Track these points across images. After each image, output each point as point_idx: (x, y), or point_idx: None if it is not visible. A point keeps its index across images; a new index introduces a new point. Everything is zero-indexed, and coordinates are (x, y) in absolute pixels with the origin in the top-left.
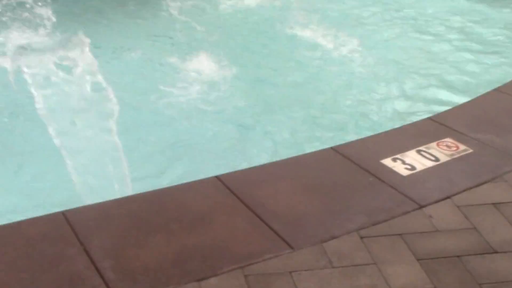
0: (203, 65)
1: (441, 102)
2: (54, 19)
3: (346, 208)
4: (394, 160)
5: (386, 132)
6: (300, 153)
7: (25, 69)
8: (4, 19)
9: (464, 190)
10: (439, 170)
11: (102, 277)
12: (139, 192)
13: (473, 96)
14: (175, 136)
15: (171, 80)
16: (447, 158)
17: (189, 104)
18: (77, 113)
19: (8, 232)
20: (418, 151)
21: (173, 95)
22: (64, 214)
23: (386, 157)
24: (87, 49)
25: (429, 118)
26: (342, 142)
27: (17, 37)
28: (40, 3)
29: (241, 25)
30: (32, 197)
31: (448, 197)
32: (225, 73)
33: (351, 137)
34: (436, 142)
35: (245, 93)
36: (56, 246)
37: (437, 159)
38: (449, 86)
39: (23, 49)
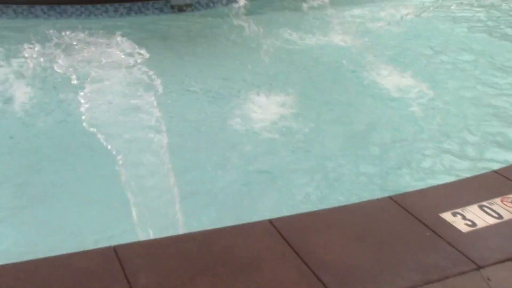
0: (273, 102)
1: (508, 156)
2: (124, 51)
3: (399, 263)
4: (454, 214)
5: (447, 184)
6: (357, 200)
7: (87, 101)
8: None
9: None
10: (502, 228)
11: None
12: (190, 231)
13: None
14: (234, 175)
15: (238, 118)
16: (511, 216)
17: (253, 141)
18: (135, 148)
19: (57, 263)
20: (480, 207)
21: (239, 135)
22: (115, 249)
23: (445, 210)
24: (156, 83)
25: (494, 171)
26: (401, 191)
27: (82, 68)
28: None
29: (314, 64)
30: (87, 229)
31: (509, 259)
32: (292, 112)
33: (411, 186)
34: (501, 198)
35: (310, 132)
36: (103, 281)
37: (500, 216)
38: None
39: (91, 80)
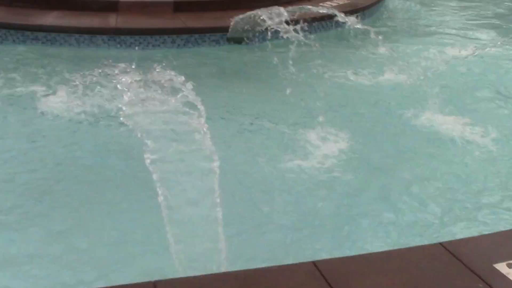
0: (323, 141)
1: None
2: (178, 81)
3: None
4: (510, 266)
5: (504, 232)
6: (406, 245)
7: (140, 131)
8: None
9: None
10: None
11: None
12: (233, 270)
13: None
14: (282, 214)
15: (288, 151)
16: None
17: (300, 180)
18: (185, 179)
19: None
20: None
21: (284, 169)
22: (155, 284)
23: (500, 261)
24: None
25: None
26: (453, 238)
27: (136, 96)
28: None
29: (368, 103)
30: (126, 263)
31: None
32: (343, 152)
33: (464, 233)
34: None
35: (360, 175)
36: None
37: None
38: None
39: (143, 109)
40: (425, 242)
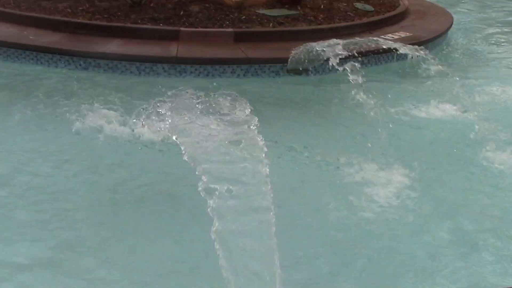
0: (387, 178)
1: None
2: (236, 111)
3: None
4: None
5: None
6: None
7: (197, 159)
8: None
9: None
10: None
11: None
12: None
13: None
14: (348, 253)
15: (345, 190)
16: None
17: (367, 219)
18: (240, 211)
19: None
20: None
21: (349, 210)
22: None
23: None
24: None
25: None
26: None
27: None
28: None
29: (435, 140)
30: None
31: None
32: (409, 193)
33: None
34: None
35: (434, 219)
36: None
37: None
38: None
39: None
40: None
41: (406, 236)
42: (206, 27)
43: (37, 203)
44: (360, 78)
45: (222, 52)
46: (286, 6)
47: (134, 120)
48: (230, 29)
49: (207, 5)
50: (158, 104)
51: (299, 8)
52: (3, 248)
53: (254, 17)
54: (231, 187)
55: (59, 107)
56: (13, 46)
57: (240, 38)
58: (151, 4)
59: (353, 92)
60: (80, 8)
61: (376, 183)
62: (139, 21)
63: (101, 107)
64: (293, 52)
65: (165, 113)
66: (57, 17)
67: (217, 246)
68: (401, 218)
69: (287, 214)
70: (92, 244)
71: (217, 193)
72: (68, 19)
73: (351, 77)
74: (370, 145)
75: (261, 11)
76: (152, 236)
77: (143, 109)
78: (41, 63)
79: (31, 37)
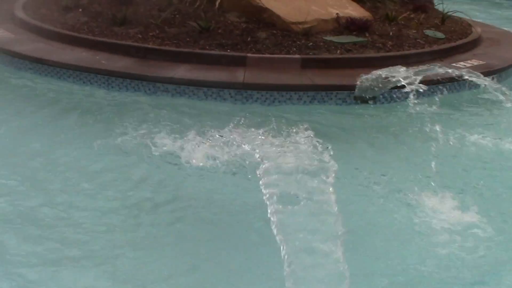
0: (460, 214)
1: None
2: (302, 138)
3: None
4: None
5: None
6: None
7: (266, 186)
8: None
9: None
10: None
11: None
12: None
13: None
14: None
15: (415, 222)
16: None
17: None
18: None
19: None
20: None
21: (421, 239)
22: None
23: None
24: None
25: None
26: None
27: (260, 152)
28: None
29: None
30: None
31: None
32: (481, 231)
33: None
34: None
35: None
36: None
37: None
38: None
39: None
40: None
41: (482, 270)
42: (273, 53)
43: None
44: (429, 107)
45: (288, 78)
46: (354, 33)
47: (201, 144)
48: (297, 56)
49: (274, 31)
50: (225, 129)
51: (367, 35)
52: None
53: (321, 43)
54: (299, 215)
55: (127, 130)
56: (86, 70)
57: (306, 64)
58: (219, 30)
59: (422, 121)
60: (151, 33)
61: (446, 213)
62: (207, 47)
63: (166, 130)
64: (360, 79)
65: (232, 139)
66: (128, 42)
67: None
68: (474, 249)
69: (356, 240)
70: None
71: (284, 218)
72: (139, 44)
73: (419, 105)
74: (438, 176)
75: (329, 38)
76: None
77: (210, 133)
78: (112, 87)
79: (103, 62)
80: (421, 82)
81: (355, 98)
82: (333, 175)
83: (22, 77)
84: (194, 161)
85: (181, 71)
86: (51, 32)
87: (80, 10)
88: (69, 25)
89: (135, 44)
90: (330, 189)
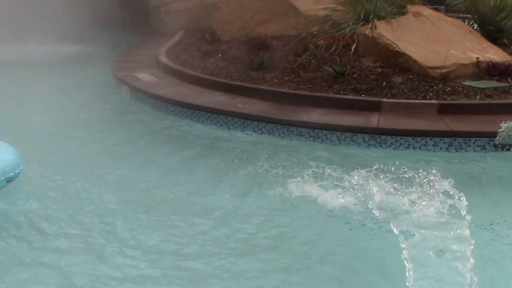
0: None
1: None
2: (435, 188)
3: None
4: None
5: None
6: None
7: (401, 236)
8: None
9: None
10: None
11: None
12: None
13: None
14: None
15: None
16: None
17: None
18: None
19: None
20: None
21: None
22: None
23: None
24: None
25: None
26: None
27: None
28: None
29: None
30: None
31: None
32: None
33: None
34: None
35: None
36: None
37: None
38: None
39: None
40: None
41: None
42: (408, 99)
43: None
44: None
45: (424, 124)
46: (495, 77)
47: (334, 189)
48: (434, 101)
49: (410, 76)
50: (360, 175)
51: (509, 80)
52: None
53: (459, 89)
54: (433, 265)
55: (259, 171)
56: (223, 114)
57: (444, 110)
58: (354, 75)
59: None
60: (286, 78)
61: None
62: (342, 92)
63: (299, 173)
64: (503, 126)
65: (366, 184)
66: (264, 87)
67: None
68: None
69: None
70: None
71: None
72: (275, 88)
73: None
74: None
75: (468, 82)
76: None
77: (343, 179)
78: (247, 130)
79: (239, 105)
80: None
81: (496, 145)
82: (470, 226)
83: (164, 119)
84: (330, 205)
85: (315, 116)
86: (192, 76)
87: (220, 55)
88: (208, 70)
89: (271, 88)
90: (466, 238)
